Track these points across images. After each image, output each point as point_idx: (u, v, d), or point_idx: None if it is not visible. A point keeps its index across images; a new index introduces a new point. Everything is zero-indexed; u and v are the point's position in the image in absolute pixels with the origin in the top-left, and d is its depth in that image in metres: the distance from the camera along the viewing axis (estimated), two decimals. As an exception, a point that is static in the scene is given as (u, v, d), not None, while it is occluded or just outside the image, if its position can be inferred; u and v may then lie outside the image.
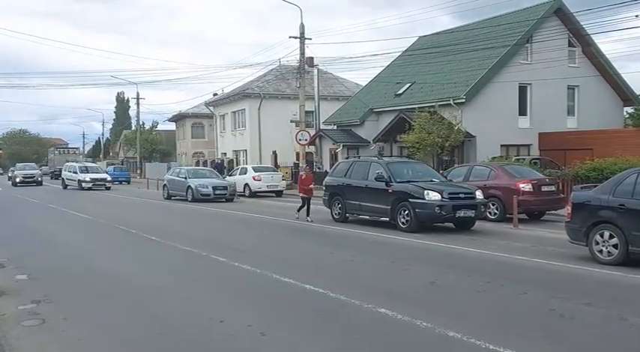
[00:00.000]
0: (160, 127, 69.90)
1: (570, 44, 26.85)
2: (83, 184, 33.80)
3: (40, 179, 40.83)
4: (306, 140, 29.31)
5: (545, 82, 25.01)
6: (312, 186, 16.44)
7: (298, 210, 16.19)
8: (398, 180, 13.94)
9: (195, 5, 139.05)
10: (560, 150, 24.16)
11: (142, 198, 27.42)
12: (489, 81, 24.60)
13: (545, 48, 24.65)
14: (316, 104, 31.83)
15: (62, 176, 37.24)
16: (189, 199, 23.85)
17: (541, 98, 25.89)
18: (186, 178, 24.79)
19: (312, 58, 29.72)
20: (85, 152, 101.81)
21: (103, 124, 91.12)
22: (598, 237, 9.04)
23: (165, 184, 26.90)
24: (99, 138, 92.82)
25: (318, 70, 31.63)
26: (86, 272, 8.81)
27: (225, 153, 43.46)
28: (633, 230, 8.52)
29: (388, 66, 33.53)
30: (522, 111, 26.02)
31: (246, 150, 39.72)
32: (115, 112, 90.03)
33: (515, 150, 25.47)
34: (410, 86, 28.43)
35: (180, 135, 56.99)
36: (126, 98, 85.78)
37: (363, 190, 14.72)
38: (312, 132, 31.03)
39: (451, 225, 13.83)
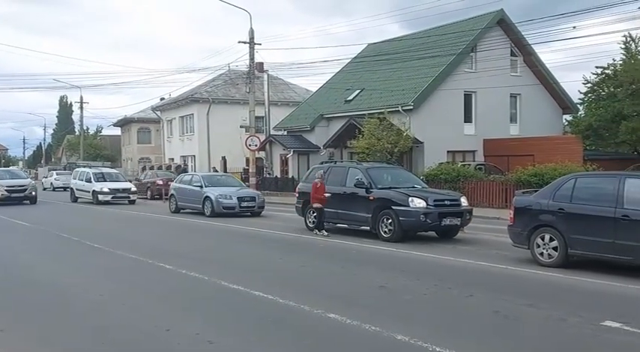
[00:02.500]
0: (104, 132, 68.31)
1: (512, 54, 27.79)
2: (100, 197, 25.73)
3: (34, 193, 26.41)
4: (256, 145, 29.14)
5: (489, 90, 25.76)
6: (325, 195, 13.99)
7: (321, 228, 13.83)
8: (379, 186, 13.18)
9: (142, 10, 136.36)
10: (503, 156, 24.95)
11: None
12: (436, 88, 25.16)
13: (489, 57, 25.45)
14: (266, 109, 31.77)
15: (71, 186, 29.30)
16: (208, 213, 19.14)
17: (485, 106, 26.66)
18: (202, 187, 20.03)
19: (261, 64, 29.64)
20: (26, 158, 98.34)
21: (44, 129, 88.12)
22: (539, 240, 9.35)
23: (172, 194, 21.71)
24: (40, 143, 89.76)
25: (268, 75, 31.59)
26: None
27: (172, 159, 42.70)
28: (572, 233, 8.86)
29: (338, 72, 33.83)
30: (468, 119, 26.72)
31: (194, 156, 39.17)
32: (57, 117, 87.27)
33: (461, 156, 26.14)
34: (359, 92, 28.75)
35: (126, 141, 55.72)
36: (69, 102, 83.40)
37: (341, 197, 13.78)
38: (262, 137, 30.92)
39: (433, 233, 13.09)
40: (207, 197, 19.43)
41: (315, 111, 30.26)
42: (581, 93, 30.14)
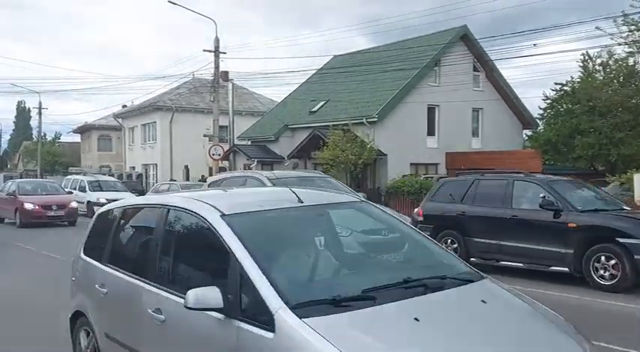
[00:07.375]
0: (63, 139, 66.71)
1: (475, 69, 28.27)
2: (96, 209, 20.44)
3: None
4: (219, 155, 28.81)
5: (451, 104, 26.10)
6: None
7: None
8: (579, 208, 9.61)
9: (106, 16, 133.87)
10: (465, 170, 25.24)
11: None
12: (400, 101, 25.35)
13: (452, 71, 25.84)
14: (230, 119, 31.45)
15: None
16: None
17: (448, 119, 27.00)
18: None
19: (226, 73, 29.40)
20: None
21: (0, 134, 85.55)
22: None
23: None
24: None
25: (233, 84, 31.32)
26: None
27: (134, 167, 41.93)
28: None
29: (303, 83, 33.83)
30: (431, 132, 27.00)
31: (156, 164, 38.53)
32: (14, 122, 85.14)
33: (424, 168, 26.38)
34: (324, 104, 28.78)
35: (86, 148, 54.50)
36: (27, 107, 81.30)
37: (507, 223, 10.25)
38: (226, 147, 30.59)
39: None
40: None
41: (279, 122, 30.15)
42: (540, 108, 30.97)
